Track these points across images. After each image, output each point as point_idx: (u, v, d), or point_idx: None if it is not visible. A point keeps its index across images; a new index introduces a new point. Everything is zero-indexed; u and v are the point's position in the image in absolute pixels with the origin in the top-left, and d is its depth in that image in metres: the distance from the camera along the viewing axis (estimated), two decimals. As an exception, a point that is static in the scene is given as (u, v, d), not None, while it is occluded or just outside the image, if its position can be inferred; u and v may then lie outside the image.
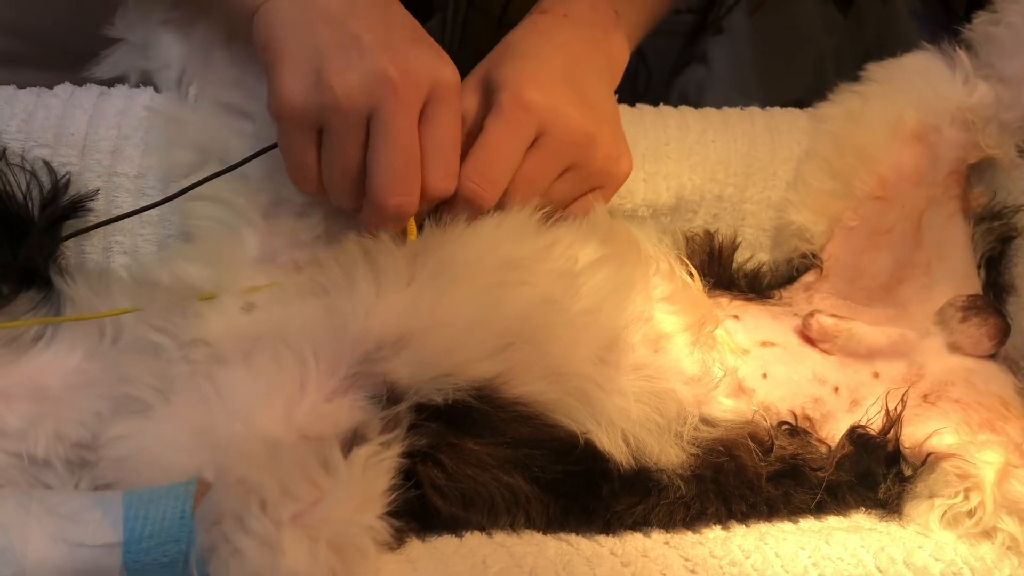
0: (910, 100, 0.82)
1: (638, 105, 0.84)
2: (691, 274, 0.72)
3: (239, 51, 0.70)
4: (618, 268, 0.65)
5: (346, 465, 0.53)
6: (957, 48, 0.83)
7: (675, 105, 1.26)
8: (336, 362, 0.60)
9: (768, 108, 0.87)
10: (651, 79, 1.63)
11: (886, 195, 0.80)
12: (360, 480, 0.53)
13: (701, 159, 0.82)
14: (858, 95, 0.84)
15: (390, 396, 0.59)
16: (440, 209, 0.65)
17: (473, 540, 0.60)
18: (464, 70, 0.65)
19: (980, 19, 0.85)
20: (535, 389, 0.61)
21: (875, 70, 0.85)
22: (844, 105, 0.84)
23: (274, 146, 0.62)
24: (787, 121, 0.86)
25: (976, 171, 0.85)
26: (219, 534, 0.49)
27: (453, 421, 0.60)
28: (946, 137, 0.82)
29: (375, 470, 0.54)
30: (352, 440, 0.55)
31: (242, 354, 0.60)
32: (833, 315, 0.74)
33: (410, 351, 0.59)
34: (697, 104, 1.49)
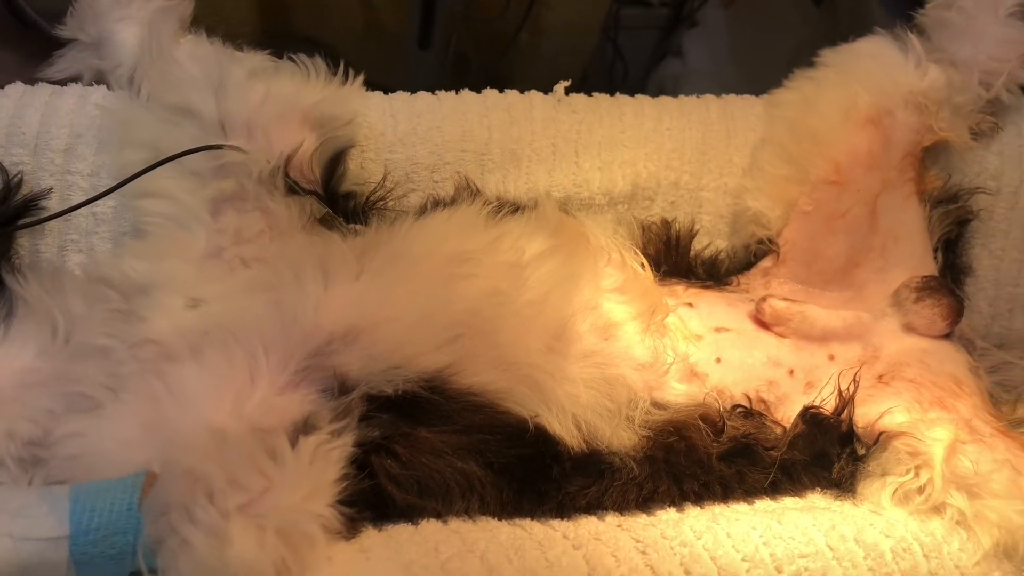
0: (863, 84, 0.82)
1: (594, 94, 0.85)
2: (642, 264, 0.72)
3: (189, 50, 0.71)
4: (566, 259, 0.66)
5: (294, 455, 0.54)
6: (910, 33, 0.83)
7: (653, 96, 1.27)
8: (287, 356, 0.60)
9: (724, 95, 0.88)
10: (628, 73, 1.64)
11: (840, 179, 0.81)
12: (309, 469, 0.54)
13: (657, 147, 0.83)
14: (812, 80, 0.85)
15: (341, 389, 0.60)
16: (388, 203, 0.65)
17: (428, 527, 0.61)
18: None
19: (933, 4, 0.85)
20: (485, 379, 0.62)
21: (829, 55, 0.86)
22: (799, 91, 0.85)
23: (219, 146, 0.63)
24: (743, 108, 0.86)
25: (931, 154, 0.86)
26: (166, 525, 0.50)
27: (406, 411, 0.61)
28: (900, 121, 0.82)
29: (324, 459, 0.55)
30: (301, 430, 0.56)
31: (191, 350, 0.60)
32: (786, 299, 0.75)
33: (360, 344, 0.60)
34: (674, 93, 1.50)
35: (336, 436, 0.56)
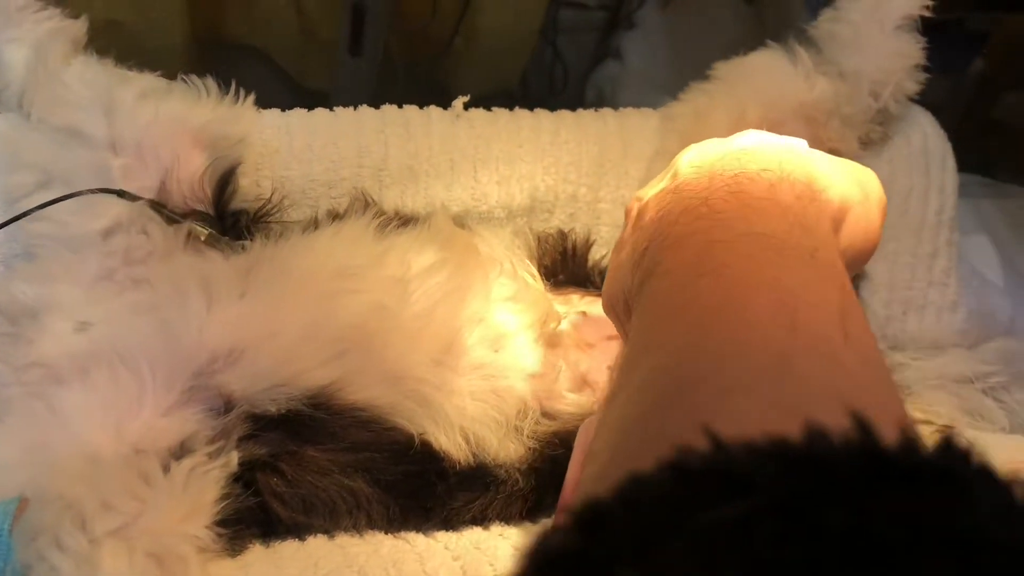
0: (754, 96, 0.85)
1: (493, 109, 0.86)
2: (532, 275, 0.74)
3: (79, 72, 0.71)
4: (454, 272, 0.67)
5: (167, 478, 0.54)
6: (799, 45, 0.86)
7: (592, 101, 1.28)
8: (172, 376, 0.61)
9: (622, 108, 0.90)
10: (567, 76, 1.66)
11: (732, 190, 0.83)
12: (184, 491, 0.55)
13: (554, 160, 0.84)
14: (705, 94, 0.87)
15: (227, 408, 0.61)
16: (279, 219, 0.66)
17: (313, 543, 0.62)
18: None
19: (824, 17, 0.88)
20: (372, 394, 0.63)
21: (721, 68, 0.88)
22: (692, 104, 0.87)
23: (120, 192, 0.63)
24: (640, 121, 0.88)
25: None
26: (35, 551, 0.50)
27: (292, 429, 0.62)
28: (789, 132, 0.84)
29: (201, 481, 0.56)
30: (178, 452, 0.56)
31: (79, 372, 0.61)
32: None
33: (243, 363, 0.61)
34: (613, 100, 1.52)
35: (214, 457, 0.57)
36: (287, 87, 1.31)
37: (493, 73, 1.36)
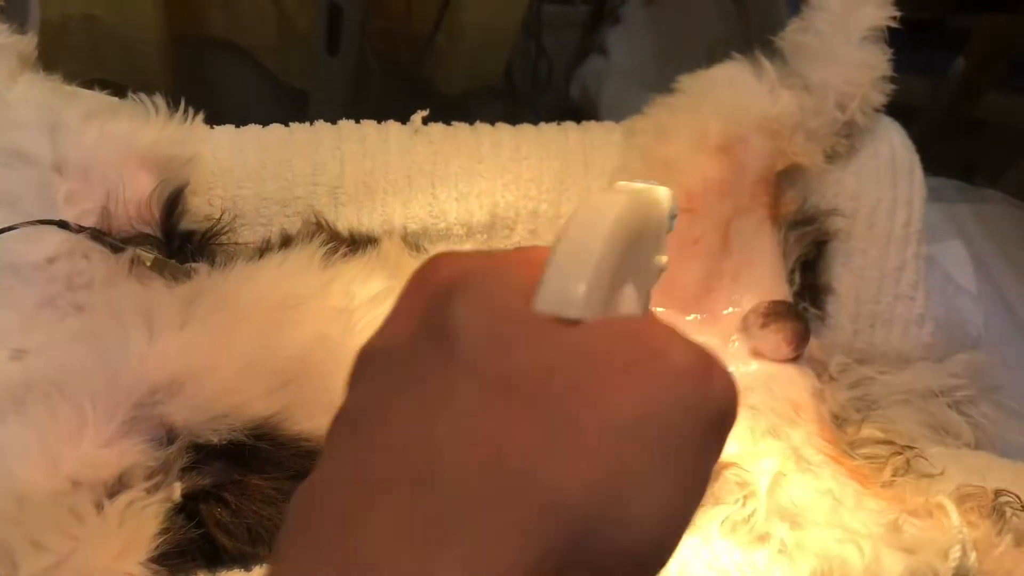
0: (716, 111, 0.84)
1: (453, 123, 0.85)
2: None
3: (23, 91, 0.70)
4: (401, 299, 0.66)
5: (102, 514, 0.54)
6: (763, 58, 0.85)
7: (577, 96, 1.27)
8: (113, 408, 0.60)
9: (584, 123, 0.89)
10: (552, 71, 1.65)
11: (693, 207, 0.82)
12: (120, 527, 0.54)
13: (515, 176, 0.83)
14: (668, 108, 0.86)
15: (169, 439, 0.60)
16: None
17: (259, 574, 0.61)
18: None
19: (791, 27, 0.87)
20: (316, 424, 0.63)
21: (685, 81, 0.87)
22: (654, 118, 0.86)
23: (64, 224, 0.63)
24: (602, 136, 0.87)
25: (787, 177, 0.88)
26: (-38, 595, 0.50)
27: (236, 459, 0.62)
28: (752, 146, 0.84)
29: (139, 516, 0.55)
30: (115, 488, 0.56)
31: (14, 403, 0.60)
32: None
33: (184, 395, 0.60)
34: (598, 95, 1.51)
35: (153, 491, 0.57)
36: (268, 85, 1.30)
37: (476, 69, 1.35)
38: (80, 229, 0.64)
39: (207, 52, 1.24)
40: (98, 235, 0.64)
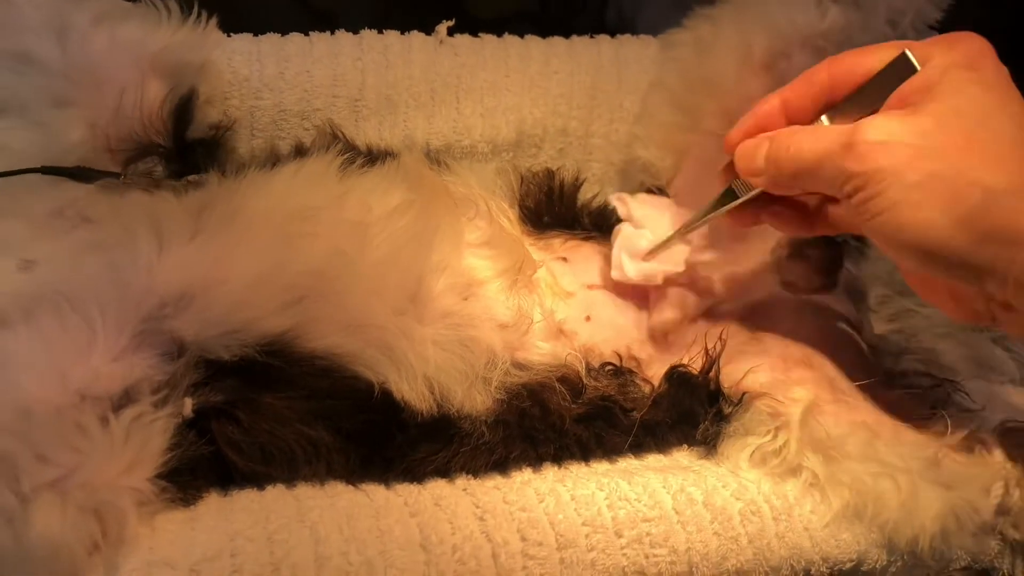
0: (761, 25, 0.78)
1: (480, 35, 0.81)
2: (510, 219, 0.70)
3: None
4: (420, 215, 0.63)
5: (108, 428, 0.52)
6: (812, -32, 0.79)
7: (613, 21, 1.21)
8: (122, 321, 0.58)
9: (619, 36, 0.84)
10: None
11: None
12: (125, 442, 0.53)
13: (543, 91, 0.79)
14: (710, 20, 0.81)
15: (179, 353, 0.58)
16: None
17: (271, 493, 0.60)
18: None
19: (842, -65, 0.81)
20: (333, 342, 0.61)
21: (729, -9, 0.82)
22: (695, 31, 0.81)
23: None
24: (637, 50, 0.83)
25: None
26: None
27: (249, 377, 0.60)
28: (796, 64, 0.78)
29: (146, 431, 0.54)
30: (122, 402, 0.54)
31: (23, 314, 0.58)
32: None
33: (195, 308, 0.58)
34: (634, 20, 1.45)
35: (160, 406, 0.55)
36: (292, 4, 1.26)
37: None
38: (93, 178, 0.61)
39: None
40: (113, 177, 0.62)
